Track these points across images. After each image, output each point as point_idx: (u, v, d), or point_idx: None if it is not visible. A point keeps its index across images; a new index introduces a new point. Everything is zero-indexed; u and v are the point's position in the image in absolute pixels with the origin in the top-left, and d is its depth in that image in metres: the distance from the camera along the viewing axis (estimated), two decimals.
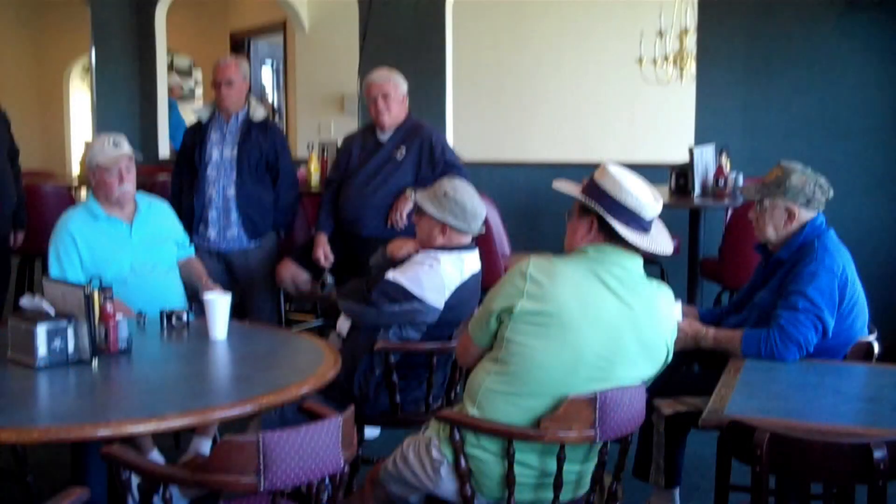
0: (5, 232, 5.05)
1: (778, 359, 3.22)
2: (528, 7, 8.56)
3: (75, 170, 12.19)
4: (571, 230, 2.91)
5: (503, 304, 2.79)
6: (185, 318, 3.75)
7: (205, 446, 4.15)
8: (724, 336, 3.37)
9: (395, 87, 5.03)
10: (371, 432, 4.51)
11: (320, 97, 9.66)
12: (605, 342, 2.75)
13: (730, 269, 5.54)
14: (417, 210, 3.85)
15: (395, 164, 5.03)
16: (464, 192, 3.76)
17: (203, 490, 2.52)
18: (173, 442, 4.54)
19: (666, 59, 7.94)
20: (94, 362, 3.19)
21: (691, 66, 7.63)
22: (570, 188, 2.93)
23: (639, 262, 2.85)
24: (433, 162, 5.01)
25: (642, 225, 2.82)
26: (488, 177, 5.16)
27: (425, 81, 6.34)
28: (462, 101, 7.08)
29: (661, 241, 2.88)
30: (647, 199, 2.81)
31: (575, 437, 2.72)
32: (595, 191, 2.82)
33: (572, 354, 2.73)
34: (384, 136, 5.10)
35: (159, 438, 4.14)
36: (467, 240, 3.81)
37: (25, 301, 3.38)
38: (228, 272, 5.29)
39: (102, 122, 8.38)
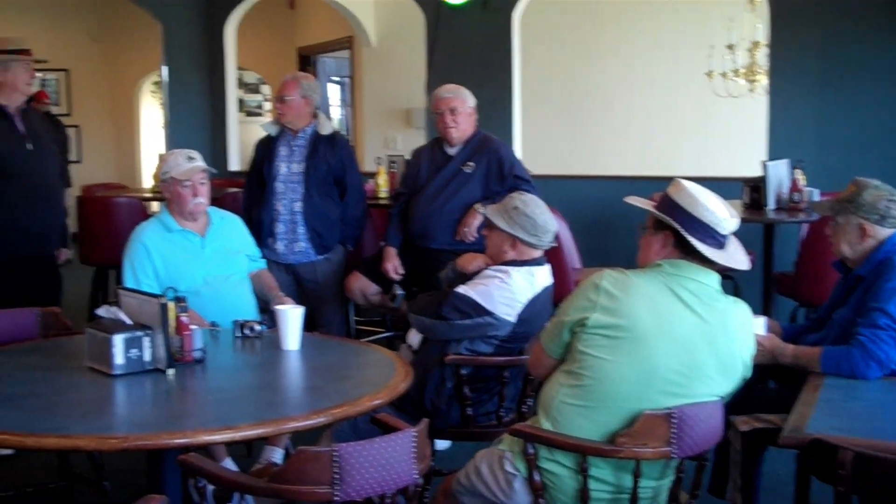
0: (55, 248, 5.11)
1: (859, 377, 3.15)
2: (596, 20, 8.54)
3: (146, 182, 12.41)
4: (645, 245, 2.89)
5: (576, 317, 2.78)
6: (257, 328, 3.78)
7: (277, 456, 4.18)
8: (803, 352, 3.30)
9: (463, 102, 5.05)
10: (441, 444, 4.51)
11: (387, 112, 9.71)
12: (680, 357, 2.72)
13: (806, 285, 5.45)
14: (488, 224, 3.85)
15: (464, 178, 5.04)
16: (534, 206, 3.75)
17: (277, 499, 2.52)
18: (245, 451, 4.58)
19: (736, 72, 7.86)
20: (170, 372, 3.23)
21: (762, 80, 7.54)
22: (643, 203, 2.91)
23: (715, 277, 2.83)
24: (502, 176, 5.01)
25: (718, 240, 2.79)
26: (557, 190, 5.14)
27: (493, 95, 6.34)
28: (530, 114, 7.07)
29: (737, 257, 2.85)
30: (724, 215, 2.78)
31: (651, 453, 2.69)
32: (670, 206, 2.80)
33: (646, 369, 2.71)
34: (453, 150, 5.12)
35: (231, 446, 4.18)
36: (538, 254, 3.80)
37: (102, 311, 3.44)
38: (297, 284, 5.33)
39: (174, 137, 8.52)
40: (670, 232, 2.79)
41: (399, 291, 5.02)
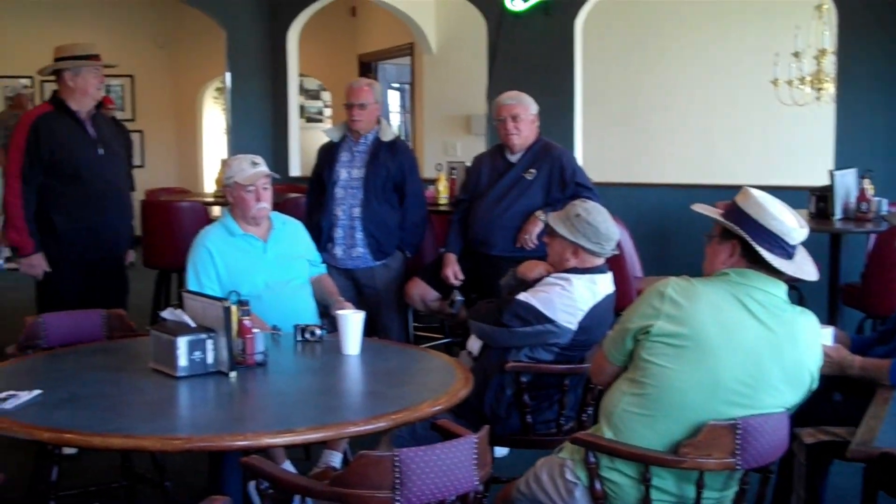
0: (123, 251, 5.19)
1: None
2: (659, 27, 8.47)
3: (207, 187, 12.56)
4: (711, 253, 2.86)
5: (640, 324, 2.76)
6: (318, 333, 3.80)
7: (335, 460, 4.19)
8: (872, 364, 3.24)
9: (525, 109, 5.04)
10: (500, 451, 4.49)
11: (447, 118, 9.73)
12: (745, 367, 2.69)
13: (874, 296, 5.36)
14: (549, 231, 3.83)
15: (525, 185, 5.03)
16: (597, 214, 3.73)
17: (338, 503, 2.53)
18: (304, 454, 4.60)
19: (802, 80, 7.75)
20: (232, 374, 3.26)
21: (829, 88, 7.42)
22: (710, 211, 2.88)
23: (782, 287, 2.79)
24: (564, 184, 4.99)
25: (787, 250, 2.75)
26: (617, 198, 5.10)
27: (554, 102, 6.32)
28: (590, 121, 7.03)
29: (806, 268, 2.81)
30: (793, 225, 2.74)
31: (715, 464, 2.65)
32: (738, 215, 2.76)
33: (711, 379, 2.68)
34: (514, 157, 5.11)
35: (290, 449, 4.20)
36: (600, 262, 3.77)
37: (167, 313, 3.48)
38: (356, 290, 5.35)
39: (236, 142, 8.61)
40: (738, 241, 2.75)
41: (458, 297, 5.02)
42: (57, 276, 4.87)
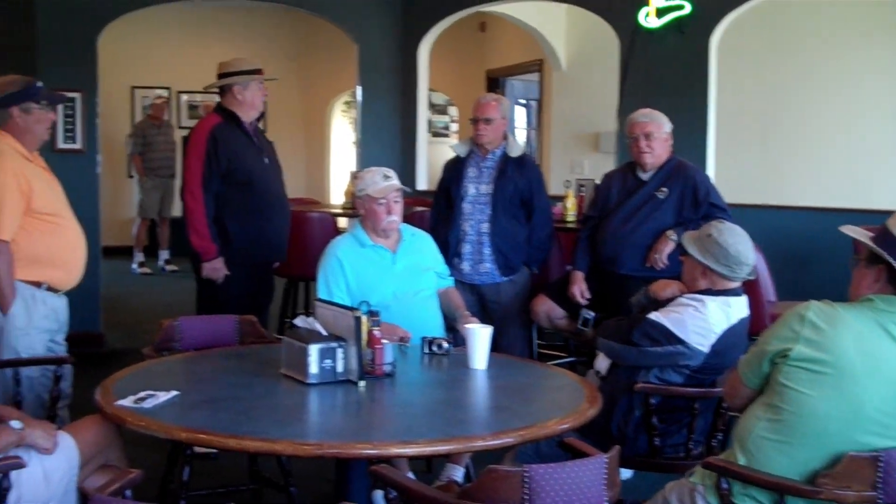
0: (285, 255, 5.35)
1: None
2: (797, 45, 8.24)
3: (334, 199, 12.77)
4: (857, 278, 2.77)
5: (778, 347, 2.69)
6: (445, 346, 3.82)
7: (458, 474, 4.20)
8: None
9: (659, 127, 4.98)
10: (623, 473, 4.43)
11: (574, 136, 9.67)
12: (888, 397, 2.60)
13: None
14: (682, 251, 3.77)
15: (657, 204, 4.96)
16: (729, 236, 3.63)
17: None
18: (426, 467, 4.62)
19: None
20: (361, 383, 3.30)
21: None
22: (859, 234, 2.79)
23: None
24: (697, 203, 4.91)
25: None
26: (752, 220, 4.95)
27: (687, 121, 6.21)
28: (724, 141, 6.89)
29: None
30: None
31: (854, 497, 2.57)
32: (887, 239, 2.67)
33: (851, 407, 2.60)
34: (646, 175, 5.05)
35: (412, 461, 4.23)
36: (734, 284, 3.69)
37: (300, 321, 3.55)
38: (481, 305, 5.35)
39: (365, 155, 8.72)
40: (884, 266, 2.66)
41: (589, 315, 4.99)
42: (224, 280, 5.06)
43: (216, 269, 5.03)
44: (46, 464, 3.00)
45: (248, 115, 5.14)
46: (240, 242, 5.06)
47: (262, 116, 5.32)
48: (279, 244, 5.28)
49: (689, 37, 6.64)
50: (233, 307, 4.68)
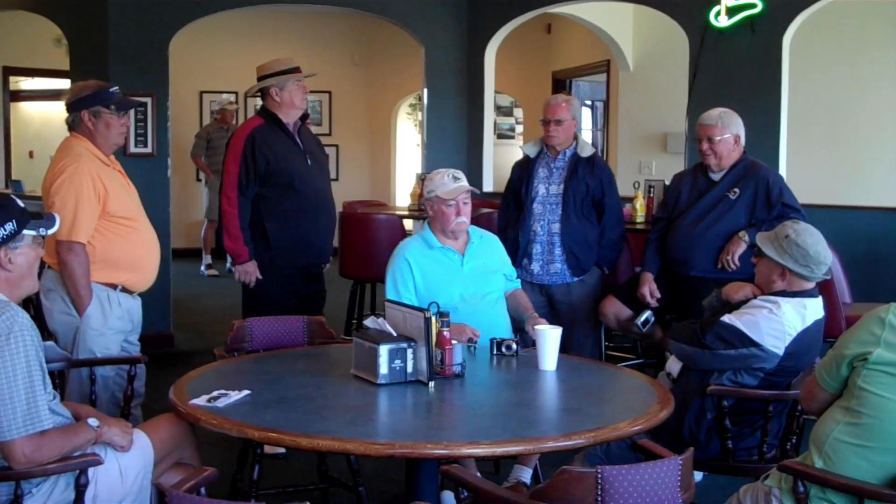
0: (329, 258, 5.35)
1: None
2: (870, 44, 8.09)
3: (398, 201, 12.82)
4: None
5: (857, 351, 2.65)
6: (514, 347, 3.81)
7: (526, 475, 4.18)
8: None
9: (723, 130, 4.89)
10: (694, 476, 4.38)
11: (642, 137, 9.59)
12: None
13: None
14: (757, 252, 3.71)
15: (728, 205, 4.89)
16: (807, 236, 3.57)
17: None
18: (493, 468, 4.61)
19: None
20: (431, 384, 3.30)
21: None
22: None
23: None
24: (769, 204, 4.83)
25: None
26: (825, 221, 4.86)
27: (758, 121, 6.11)
28: (795, 141, 6.78)
29: None
30: None
31: None
32: None
33: None
34: (717, 176, 4.98)
35: (479, 463, 4.22)
36: (809, 286, 3.62)
37: (370, 321, 3.57)
38: (550, 305, 5.33)
39: (431, 158, 8.73)
40: None
41: (649, 315, 4.95)
42: (266, 281, 5.07)
43: (248, 272, 5.04)
44: (122, 461, 3.04)
45: (288, 116, 5.09)
46: (280, 245, 5.05)
47: (306, 116, 5.27)
48: (322, 246, 5.24)
49: (761, 35, 6.55)
50: (277, 310, 4.68)
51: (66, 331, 4.13)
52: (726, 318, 3.61)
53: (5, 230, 2.90)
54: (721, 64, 6.72)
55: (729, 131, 4.90)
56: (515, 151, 13.38)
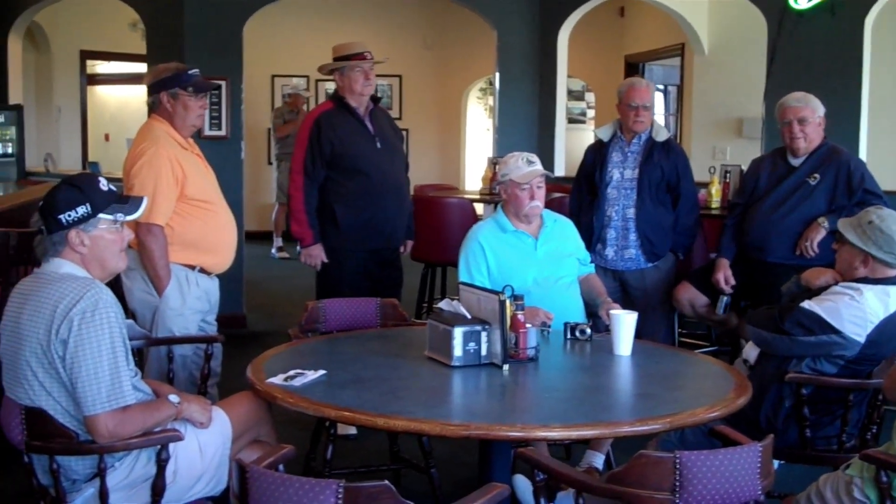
0: (401, 241, 5.37)
1: None
2: None
3: (468, 185, 12.82)
4: None
5: None
6: (588, 332, 3.79)
7: (598, 461, 4.16)
8: None
9: (813, 111, 4.81)
10: None
11: (716, 121, 9.46)
12: None
13: None
14: (838, 238, 3.65)
15: (808, 190, 4.81)
16: (892, 222, 3.50)
17: (611, 501, 2.51)
18: (564, 454, 4.60)
19: None
20: (505, 367, 3.30)
21: None
22: None
23: None
24: (850, 190, 4.74)
25: None
26: None
27: (838, 105, 5.97)
28: (878, 127, 6.64)
29: None
30: None
31: None
32: None
33: None
34: (796, 161, 4.90)
35: (550, 448, 4.21)
36: (892, 273, 3.54)
37: (444, 304, 3.57)
38: (623, 291, 5.29)
39: (503, 142, 8.71)
40: None
41: (726, 300, 4.89)
42: (337, 264, 5.12)
43: (312, 255, 5.10)
44: (201, 437, 3.09)
45: (356, 100, 5.12)
46: (349, 228, 5.08)
47: (377, 100, 5.29)
48: (392, 230, 5.25)
49: (842, 18, 6.42)
50: (348, 292, 4.74)
51: (146, 310, 4.20)
52: (806, 304, 3.55)
53: (77, 213, 2.94)
54: (800, 47, 6.60)
55: (817, 114, 4.83)
56: (586, 136, 13.32)
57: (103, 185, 3.06)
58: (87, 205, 2.97)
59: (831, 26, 6.45)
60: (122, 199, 3.11)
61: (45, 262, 2.99)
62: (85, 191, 3.00)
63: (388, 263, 5.29)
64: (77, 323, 2.80)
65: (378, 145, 5.14)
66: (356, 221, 5.08)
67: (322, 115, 5.13)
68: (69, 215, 2.94)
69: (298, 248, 5.19)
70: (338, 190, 5.09)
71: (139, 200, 3.18)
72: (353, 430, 4.89)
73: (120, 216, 3.06)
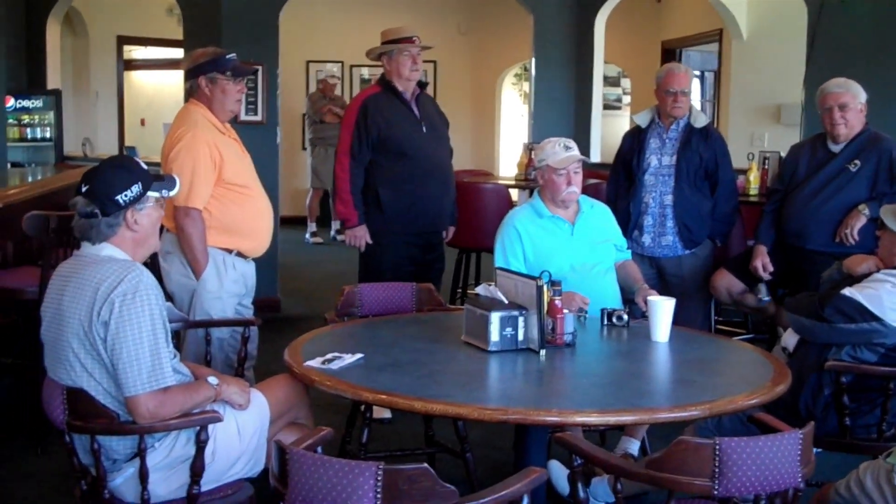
0: (446, 225, 5.38)
1: None
2: None
3: (502, 171, 12.79)
4: None
5: None
6: (625, 318, 3.78)
7: (633, 447, 4.15)
8: None
9: (854, 97, 4.76)
10: None
11: (754, 107, 9.37)
12: None
13: None
14: (880, 225, 3.61)
15: (848, 177, 4.76)
16: None
17: (647, 486, 2.50)
18: (599, 440, 4.58)
19: None
20: (542, 352, 3.30)
21: None
22: None
23: None
24: (892, 176, 4.69)
25: None
26: None
27: (880, 92, 5.88)
28: None
29: None
30: None
31: None
32: None
33: None
34: (837, 148, 4.85)
35: (585, 434, 4.20)
36: None
37: (481, 289, 3.57)
38: (660, 278, 5.26)
39: (538, 127, 8.69)
40: None
41: (765, 289, 4.85)
42: (380, 247, 5.16)
43: (357, 236, 5.14)
44: (240, 419, 3.12)
45: (403, 85, 5.15)
46: (393, 211, 5.12)
47: (424, 85, 5.30)
48: (437, 214, 5.28)
49: (884, 2, 6.32)
50: (391, 276, 4.77)
51: (183, 293, 4.23)
52: (847, 291, 3.52)
53: (132, 192, 2.98)
54: (841, 33, 6.51)
55: (858, 100, 4.77)
56: (622, 122, 13.25)
57: (143, 163, 3.11)
58: (139, 184, 3.00)
59: (873, 11, 6.36)
60: (158, 178, 3.14)
61: (92, 245, 3.01)
62: (133, 171, 3.04)
63: (430, 248, 5.31)
64: (118, 305, 2.83)
65: (424, 130, 5.17)
66: (400, 204, 5.11)
67: (369, 98, 5.16)
68: (125, 195, 2.97)
69: (334, 232, 5.22)
70: (383, 173, 5.12)
71: (173, 178, 3.21)
72: (387, 414, 4.91)
73: (165, 192, 3.10)
